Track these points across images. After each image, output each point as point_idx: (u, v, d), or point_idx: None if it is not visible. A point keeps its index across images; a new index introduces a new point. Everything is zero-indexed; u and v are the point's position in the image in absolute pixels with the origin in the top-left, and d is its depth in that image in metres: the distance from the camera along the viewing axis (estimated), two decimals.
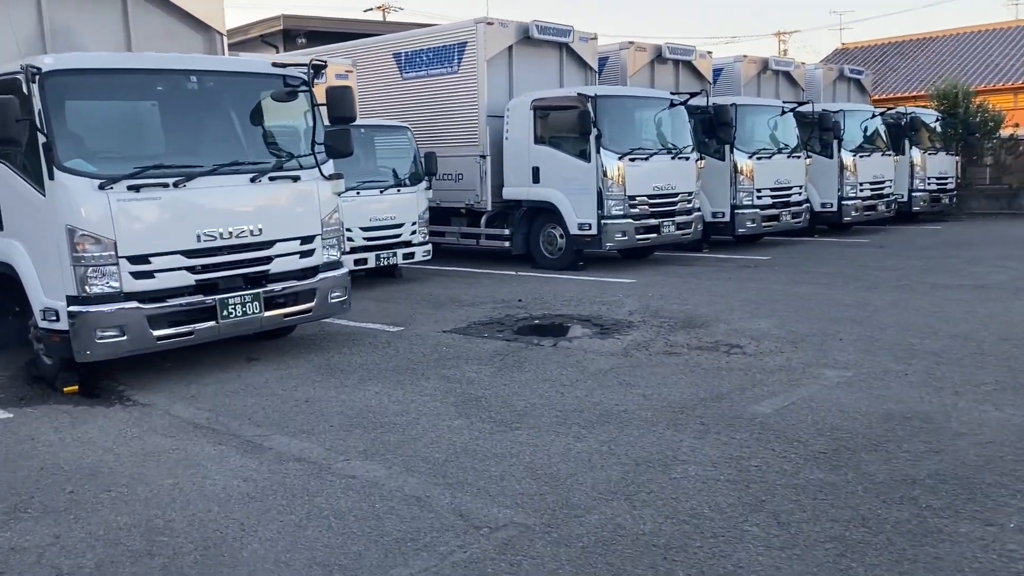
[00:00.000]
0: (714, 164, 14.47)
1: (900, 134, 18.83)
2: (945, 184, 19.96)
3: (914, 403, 5.34)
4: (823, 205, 16.93)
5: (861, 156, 17.05)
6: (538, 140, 12.79)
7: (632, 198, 12.26)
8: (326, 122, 7.39)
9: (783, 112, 15.69)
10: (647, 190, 12.45)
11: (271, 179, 7.14)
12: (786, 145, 15.53)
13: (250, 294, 6.97)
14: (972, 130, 20.08)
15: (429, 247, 12.13)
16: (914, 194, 19.11)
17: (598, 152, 12.02)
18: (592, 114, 11.93)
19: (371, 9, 40.48)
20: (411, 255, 11.86)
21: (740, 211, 14.61)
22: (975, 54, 30.86)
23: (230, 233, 6.84)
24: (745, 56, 18.11)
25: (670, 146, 13.02)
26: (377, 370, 6.87)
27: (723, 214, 14.76)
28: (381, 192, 11.52)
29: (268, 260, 7.13)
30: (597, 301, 9.75)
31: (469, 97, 13.39)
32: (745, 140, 14.85)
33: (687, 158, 13.08)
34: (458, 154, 13.63)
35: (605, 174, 12.02)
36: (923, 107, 20.76)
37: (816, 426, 5.01)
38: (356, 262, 11.17)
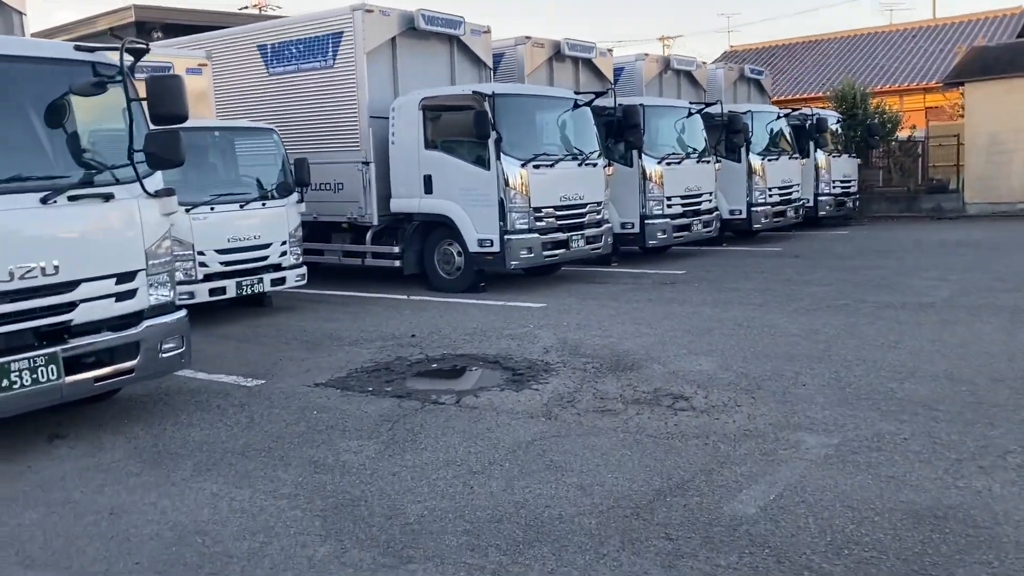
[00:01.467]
0: (621, 171, 13.25)
1: (804, 136, 18.22)
2: (849, 188, 19.53)
3: (938, 490, 4.06)
4: (732, 212, 16.03)
5: (769, 160, 16.25)
6: (429, 144, 11.20)
7: (538, 210, 10.83)
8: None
9: (690, 113, 14.65)
10: (554, 200, 11.06)
11: (71, 199, 5.31)
12: (694, 149, 14.50)
13: (44, 355, 5.13)
14: (874, 132, 19.72)
15: (304, 270, 10.35)
16: (820, 198, 18.54)
17: (498, 158, 10.53)
18: (490, 115, 10.43)
19: (247, 8, 37.85)
20: (281, 280, 10.05)
21: (650, 221, 13.44)
22: (860, 57, 31.17)
23: (11, 275, 4.99)
24: (647, 55, 17.06)
25: (576, 151, 11.68)
26: (220, 453, 5.13)
27: (632, 224, 13.56)
28: (242, 207, 9.66)
29: (70, 307, 5.31)
30: (505, 333, 8.25)
31: (347, 95, 11.66)
32: (652, 144, 13.71)
33: (595, 164, 11.77)
34: (337, 160, 11.89)
35: (507, 183, 10.55)
36: (821, 108, 20.29)
37: (825, 537, 3.64)
38: (212, 292, 9.31)
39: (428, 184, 11.17)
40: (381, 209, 11.70)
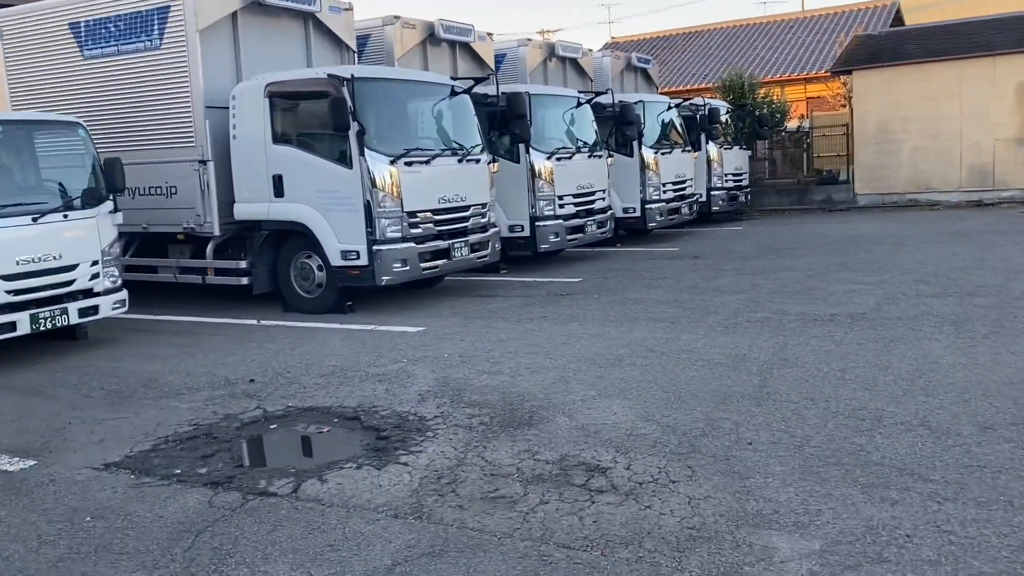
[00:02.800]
0: (508, 167, 11.82)
1: (695, 128, 17.31)
2: (741, 181, 18.80)
3: None
4: (626, 210, 14.88)
5: (662, 153, 15.17)
6: (278, 138, 9.42)
7: (412, 215, 9.24)
8: None
9: (579, 103, 13.37)
10: (431, 203, 9.48)
11: None
12: (585, 143, 13.23)
13: None
14: (763, 122, 19.06)
15: (123, 295, 8.42)
16: (713, 193, 17.69)
17: (362, 154, 8.87)
18: (350, 102, 8.76)
19: None
20: (93, 310, 8.09)
21: (541, 223, 12.07)
22: (741, 48, 30.95)
23: None
24: (530, 40, 15.71)
25: (456, 146, 10.15)
26: None
27: (522, 227, 12.15)
28: (35, 220, 7.64)
29: None
30: (372, 372, 6.64)
31: (178, 82, 9.71)
32: (540, 137, 12.35)
33: (478, 161, 10.27)
34: (169, 160, 9.93)
35: (374, 183, 8.90)
36: (711, 99, 19.49)
37: None
38: None
39: (279, 186, 9.39)
40: (224, 216, 9.82)
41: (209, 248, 9.97)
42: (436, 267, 9.60)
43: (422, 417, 5.42)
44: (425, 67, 12.93)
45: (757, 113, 19.41)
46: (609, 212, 13.51)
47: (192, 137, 9.72)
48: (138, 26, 9.96)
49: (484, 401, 5.67)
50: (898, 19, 28.87)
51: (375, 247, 8.96)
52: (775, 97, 21.01)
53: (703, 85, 27.31)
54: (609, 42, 36.10)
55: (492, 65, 14.60)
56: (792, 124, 21.35)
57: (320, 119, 9.02)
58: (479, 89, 10.95)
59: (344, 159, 9.00)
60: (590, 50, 17.67)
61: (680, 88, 27.22)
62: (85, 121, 8.67)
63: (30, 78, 10.65)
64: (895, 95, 18.62)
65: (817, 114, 23.21)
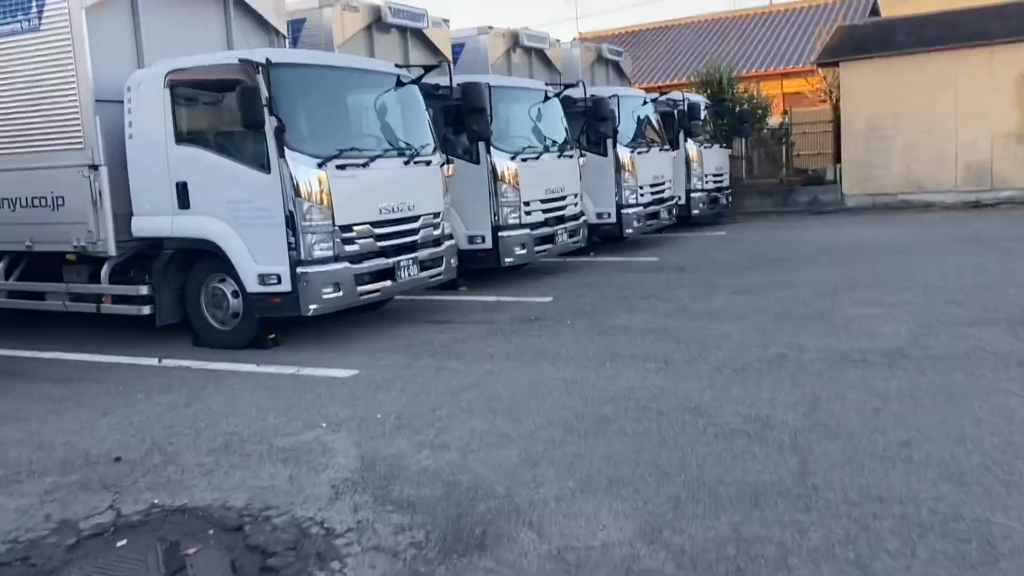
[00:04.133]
0: (465, 169, 10.24)
1: (672, 124, 15.86)
2: (721, 182, 17.40)
3: None
4: (600, 216, 13.37)
5: (639, 152, 13.68)
6: (181, 138, 7.75)
7: (346, 228, 7.62)
8: None
9: (547, 97, 11.83)
10: (370, 214, 7.87)
11: None
12: (554, 141, 11.68)
13: None
14: (744, 118, 17.66)
15: None
16: (692, 195, 16.25)
17: (282, 156, 7.23)
18: (266, 93, 7.12)
19: None
20: None
21: (505, 233, 10.50)
22: (713, 42, 29.68)
23: None
24: (491, 28, 14.06)
25: (402, 145, 8.55)
26: None
27: (483, 238, 10.57)
28: None
29: None
30: (278, 445, 5.03)
31: (61, 70, 7.98)
32: (503, 135, 10.80)
33: (428, 162, 8.68)
34: (52, 164, 8.21)
35: (298, 191, 7.27)
36: (689, 94, 18.05)
37: None
38: None
39: (183, 195, 7.72)
40: (121, 232, 8.13)
41: (104, 271, 8.26)
42: (377, 291, 7.99)
43: (330, 530, 3.82)
44: (371, 56, 11.32)
45: (738, 109, 17.98)
46: (582, 219, 11.98)
47: (80, 137, 8.00)
48: (13, 3, 8.22)
49: (421, 501, 4.08)
50: (874, 12, 27.73)
51: (299, 269, 7.32)
52: (756, 92, 19.62)
53: (675, 81, 25.95)
54: (577, 38, 34.65)
55: (449, 55, 13.03)
56: (774, 121, 19.98)
57: (231, 114, 7.36)
58: (432, 79, 9.37)
59: (261, 162, 7.36)
60: (558, 41, 16.13)
61: (652, 84, 25.80)
62: None
63: None
64: (885, 88, 17.32)
65: (797, 110, 21.89)
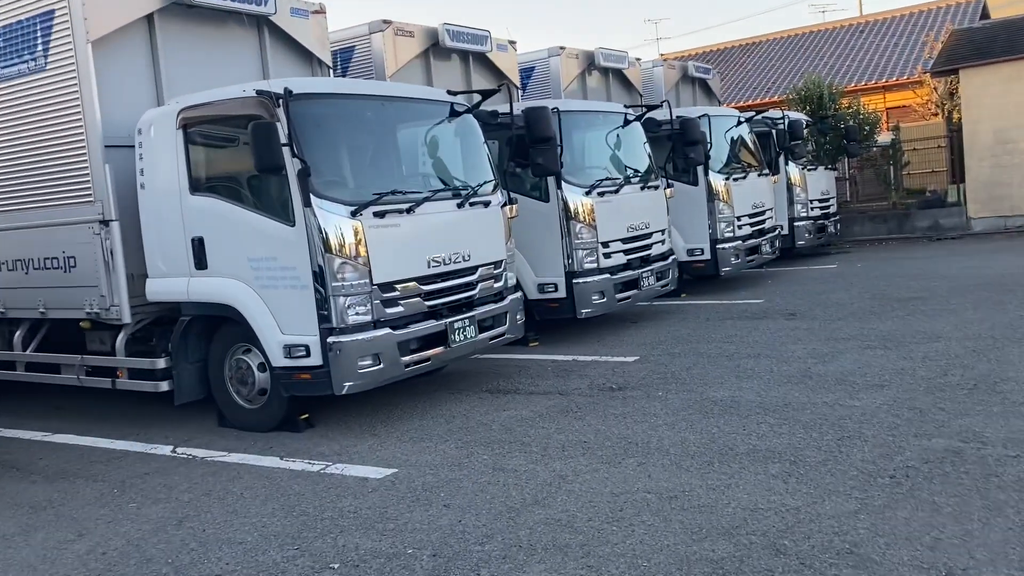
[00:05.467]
0: (532, 208, 8.91)
1: (770, 146, 14.17)
2: (828, 208, 15.54)
3: None
4: (691, 252, 11.79)
5: (735, 179, 12.06)
6: (198, 186, 6.63)
7: (388, 287, 6.33)
8: None
9: (627, 121, 10.37)
10: (416, 268, 6.57)
11: None
12: (636, 171, 10.20)
13: None
14: (852, 136, 15.77)
15: None
16: (796, 224, 14.46)
17: (308, 204, 6.00)
18: (286, 130, 5.92)
19: None
20: None
21: (581, 280, 9.06)
22: (805, 57, 27.75)
23: None
24: (563, 48, 12.81)
25: (456, 184, 7.28)
26: None
27: (554, 286, 9.16)
28: None
29: None
30: None
31: (67, 112, 7.02)
32: (576, 167, 9.42)
33: (487, 203, 7.35)
34: (62, 220, 7.24)
35: (327, 246, 6.02)
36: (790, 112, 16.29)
37: None
38: None
39: (199, 253, 6.58)
40: (137, 296, 7.07)
41: (119, 340, 7.18)
42: (426, 360, 6.64)
43: None
44: (429, 84, 10.16)
45: (843, 126, 16.11)
46: (671, 258, 10.44)
47: (88, 189, 6.99)
48: (19, 41, 7.33)
49: None
50: (984, 16, 25.28)
51: (331, 338, 6.05)
52: (864, 106, 17.69)
53: (766, 100, 24.15)
54: (658, 60, 33.14)
55: (517, 81, 11.79)
56: (883, 138, 17.98)
57: (249, 156, 6.18)
58: (494, 106, 8.08)
59: (284, 213, 6.15)
60: (637, 59, 14.73)
61: (740, 104, 24.04)
62: None
63: None
64: (1014, 96, 15.20)
65: (905, 125, 19.80)
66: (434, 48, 10.47)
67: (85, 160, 6.95)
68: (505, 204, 7.62)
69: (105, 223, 6.94)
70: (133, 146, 6.94)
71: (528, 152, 8.19)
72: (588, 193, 9.12)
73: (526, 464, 5.23)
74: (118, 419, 7.51)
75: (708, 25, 63.93)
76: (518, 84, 11.84)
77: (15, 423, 7.69)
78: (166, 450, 6.41)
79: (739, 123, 12.86)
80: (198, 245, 6.57)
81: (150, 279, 6.94)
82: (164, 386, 6.94)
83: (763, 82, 27.24)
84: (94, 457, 6.42)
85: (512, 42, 11.76)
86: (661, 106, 10.81)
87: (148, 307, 7.18)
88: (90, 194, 6.98)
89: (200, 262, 6.58)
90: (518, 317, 7.69)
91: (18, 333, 8.01)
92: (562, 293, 9.09)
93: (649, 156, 10.47)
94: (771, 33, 31.31)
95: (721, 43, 32.09)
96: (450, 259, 6.85)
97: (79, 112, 6.91)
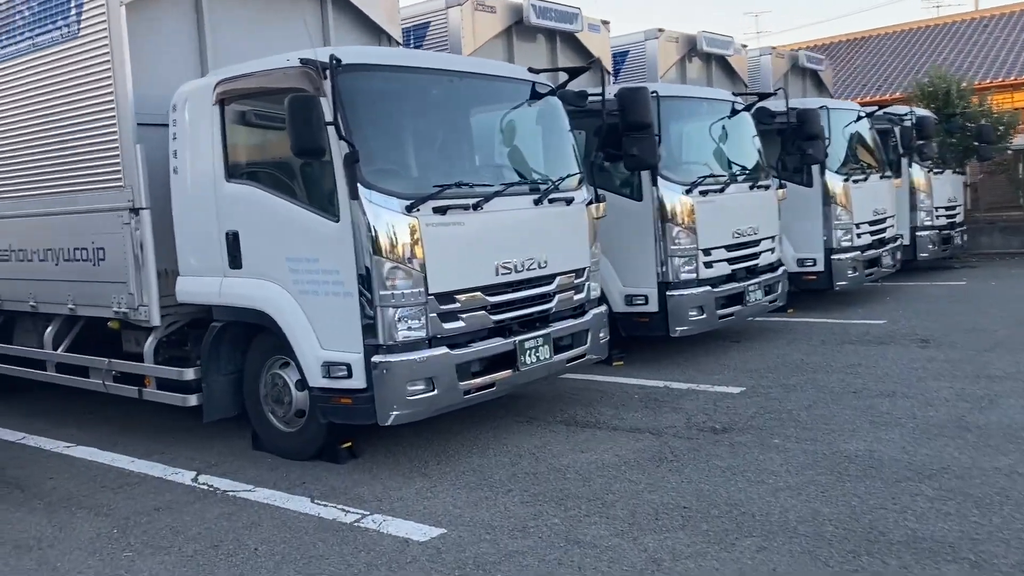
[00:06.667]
0: (623, 208, 7.74)
1: (891, 145, 12.57)
2: (954, 216, 13.80)
3: None
4: (802, 263, 10.37)
5: (855, 181, 10.57)
6: (235, 172, 5.70)
7: (446, 298, 5.26)
8: None
9: (734, 111, 9.05)
10: (482, 276, 5.48)
11: None
12: (743, 168, 8.88)
13: None
14: (985, 137, 13.98)
15: None
16: (919, 234, 12.82)
17: (355, 197, 4.99)
18: (332, 106, 4.91)
19: None
20: None
21: (677, 292, 7.82)
22: (920, 53, 25.53)
23: None
24: (661, 31, 11.54)
25: (534, 177, 6.17)
26: None
27: (645, 299, 7.95)
28: None
29: None
30: None
31: (97, 86, 6.20)
32: (675, 161, 8.19)
33: (570, 200, 6.21)
34: (90, 206, 6.44)
35: (376, 247, 5.00)
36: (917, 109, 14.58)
37: None
38: None
39: (234, 249, 5.65)
40: (167, 296, 6.20)
41: (147, 346, 6.33)
42: (490, 386, 5.56)
43: None
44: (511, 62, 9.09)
45: (974, 125, 14.31)
46: (780, 270, 9.09)
47: (119, 172, 6.15)
48: (54, 6, 6.56)
49: None
50: None
51: (376, 358, 5.02)
52: (996, 104, 15.80)
53: (878, 97, 22.21)
54: (765, 48, 31.27)
55: (609, 64, 10.61)
56: (1020, 139, 16.05)
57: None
58: (582, 87, 6.95)
59: (327, 206, 5.16)
60: (744, 46, 13.33)
61: (853, 100, 22.17)
62: None
63: None
64: None
65: None
66: (517, 26, 9.40)
67: (115, 139, 6.11)
68: (591, 202, 6.47)
69: (135, 211, 6.09)
70: (166, 125, 6.08)
71: (621, 141, 7.01)
72: (688, 191, 7.87)
73: (608, 536, 4.08)
74: (146, 431, 6.69)
75: (812, 20, 60.99)
76: (610, 69, 10.67)
77: (43, 429, 6.97)
78: (187, 477, 5.51)
79: (859, 118, 11.35)
80: (232, 240, 5.64)
81: (181, 277, 6.05)
82: (193, 400, 6.05)
83: (874, 79, 25.19)
84: (107, 481, 5.57)
85: (605, 22, 10.59)
86: (776, 94, 9.44)
87: (182, 308, 6.30)
88: (120, 178, 6.14)
89: (234, 260, 5.65)
90: (601, 335, 6.53)
91: (49, 329, 7.27)
92: (653, 307, 7.87)
93: (759, 151, 9.13)
94: (882, 27, 29.11)
95: (828, 37, 30.02)
96: (523, 265, 5.74)
97: (111, 83, 6.07)
